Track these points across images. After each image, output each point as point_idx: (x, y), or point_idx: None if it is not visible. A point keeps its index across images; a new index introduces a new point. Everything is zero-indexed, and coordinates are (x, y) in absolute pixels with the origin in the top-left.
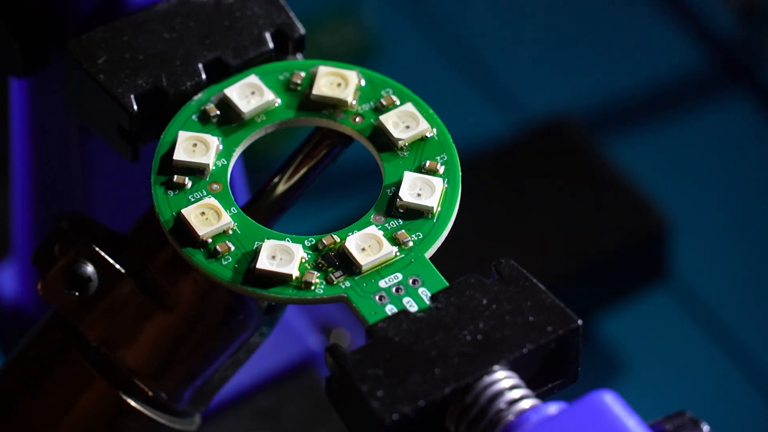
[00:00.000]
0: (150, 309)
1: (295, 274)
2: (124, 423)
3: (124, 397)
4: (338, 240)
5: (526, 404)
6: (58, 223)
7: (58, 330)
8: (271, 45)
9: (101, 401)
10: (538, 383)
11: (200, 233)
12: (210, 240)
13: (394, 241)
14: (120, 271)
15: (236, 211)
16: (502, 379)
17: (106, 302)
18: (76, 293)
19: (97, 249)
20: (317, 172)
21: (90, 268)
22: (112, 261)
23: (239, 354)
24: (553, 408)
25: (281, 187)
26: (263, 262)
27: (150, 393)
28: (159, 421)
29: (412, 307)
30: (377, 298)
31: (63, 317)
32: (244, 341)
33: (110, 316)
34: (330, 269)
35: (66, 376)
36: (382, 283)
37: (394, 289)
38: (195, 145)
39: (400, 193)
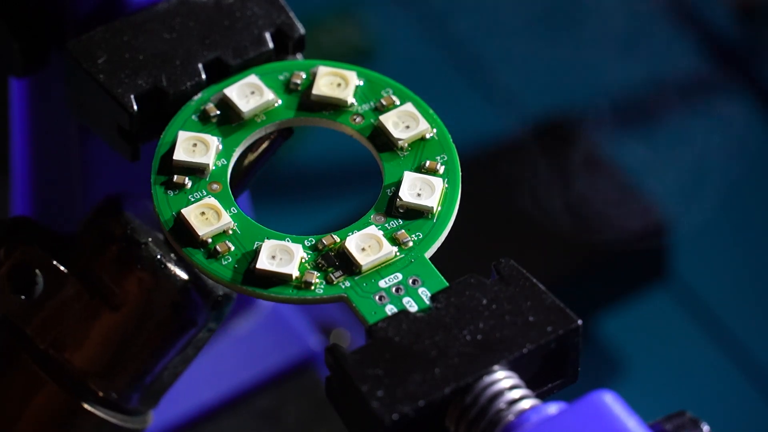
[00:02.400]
0: (97, 309)
1: (295, 274)
2: (76, 424)
3: (75, 399)
4: (338, 240)
5: (526, 404)
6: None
7: (6, 334)
8: (271, 45)
9: (53, 404)
10: (538, 383)
11: (200, 233)
12: (210, 240)
13: (394, 241)
14: (65, 273)
15: (236, 211)
16: (502, 379)
17: (53, 304)
18: (22, 296)
19: (40, 251)
20: (260, 165)
21: (35, 271)
22: (56, 263)
23: (188, 351)
24: (553, 408)
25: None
26: (263, 262)
27: (100, 393)
28: (111, 421)
29: (412, 307)
30: (377, 298)
31: (10, 321)
32: (192, 338)
33: (57, 319)
34: (330, 269)
35: (16, 380)
36: (382, 283)
37: (394, 289)
38: (195, 145)
39: (400, 193)
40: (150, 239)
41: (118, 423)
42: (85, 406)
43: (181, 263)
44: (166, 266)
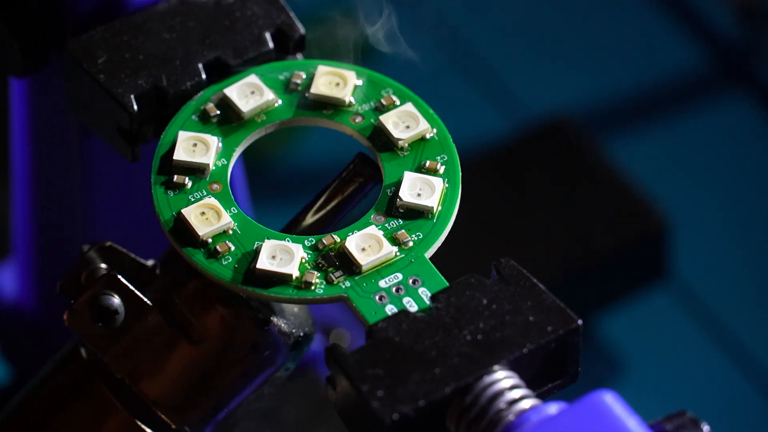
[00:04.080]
0: (176, 342)
1: (295, 274)
2: None
3: (146, 429)
4: (338, 240)
5: (526, 404)
6: (85, 252)
7: (82, 360)
8: (271, 45)
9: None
10: (538, 383)
11: (200, 233)
12: (210, 240)
13: (394, 241)
14: (147, 304)
15: (236, 211)
16: (502, 379)
17: (132, 335)
18: (100, 324)
19: (123, 281)
20: (348, 207)
21: (117, 300)
22: (138, 293)
23: (263, 389)
24: (553, 408)
25: (309, 220)
26: (263, 262)
27: (173, 426)
28: None
29: (412, 307)
30: (377, 298)
31: (88, 347)
32: (269, 376)
33: (136, 349)
34: (330, 269)
35: (89, 406)
36: (382, 283)
37: (394, 289)
38: (195, 144)
39: (400, 193)
40: None
41: None
42: None
43: (263, 303)
44: (248, 305)
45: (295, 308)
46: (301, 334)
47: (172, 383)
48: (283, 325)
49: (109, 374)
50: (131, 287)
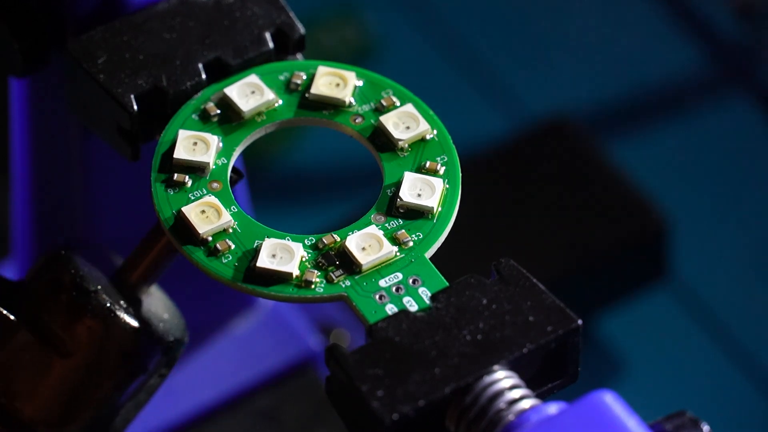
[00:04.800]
0: (47, 358)
1: (296, 272)
2: None
3: None
4: (338, 239)
5: (526, 404)
6: None
7: None
8: (271, 45)
9: None
10: (538, 383)
11: (200, 231)
12: (210, 238)
13: (394, 240)
14: (13, 321)
15: (236, 210)
16: (502, 378)
17: (2, 354)
18: None
19: None
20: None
21: None
22: (5, 312)
23: (140, 396)
24: (553, 408)
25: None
26: (263, 261)
27: None
28: None
29: (412, 307)
30: (377, 297)
31: None
32: (144, 383)
33: (7, 368)
34: (330, 268)
35: None
36: (382, 283)
37: (394, 289)
38: (195, 143)
39: (401, 194)
40: (99, 287)
41: None
42: None
43: (132, 310)
44: (116, 314)
45: (165, 314)
46: (172, 339)
47: (47, 399)
48: (153, 332)
49: None
50: None
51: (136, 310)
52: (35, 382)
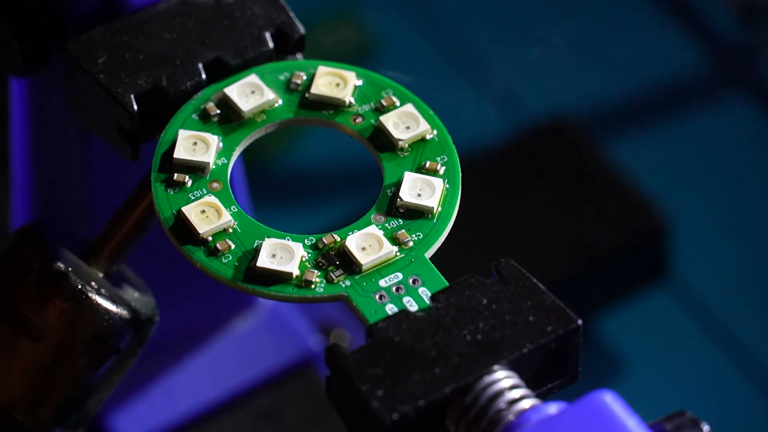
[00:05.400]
0: (18, 341)
1: (296, 272)
2: None
3: None
4: (338, 239)
5: (526, 404)
6: None
7: None
8: (271, 45)
9: None
10: (538, 383)
11: (200, 231)
12: (210, 238)
13: (394, 240)
14: None
15: (236, 210)
16: (502, 378)
17: None
18: None
19: None
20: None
21: None
22: None
23: (113, 377)
24: (553, 408)
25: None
26: (263, 261)
27: (26, 424)
28: None
29: (413, 307)
30: (377, 297)
31: None
32: (116, 364)
33: None
34: (330, 268)
35: None
36: (383, 283)
37: (394, 289)
38: (195, 143)
39: (401, 194)
40: (70, 269)
41: None
42: None
43: (103, 290)
44: (87, 296)
45: (136, 293)
46: (143, 318)
47: (20, 382)
48: (124, 311)
49: None
50: None
51: (106, 290)
52: (6, 365)
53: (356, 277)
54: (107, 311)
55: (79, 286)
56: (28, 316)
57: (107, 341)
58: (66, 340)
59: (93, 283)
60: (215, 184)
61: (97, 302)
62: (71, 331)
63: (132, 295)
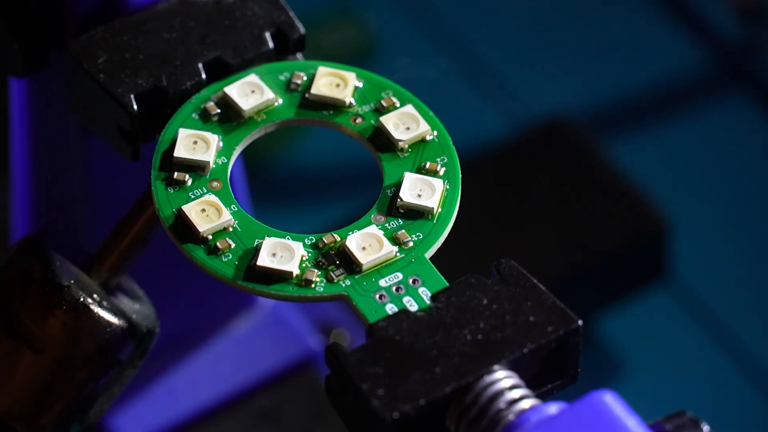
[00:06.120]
0: (19, 352)
1: (296, 271)
2: None
3: None
4: (339, 239)
5: (526, 404)
6: None
7: None
8: (271, 45)
9: None
10: (538, 383)
11: (201, 230)
12: (210, 237)
13: (394, 240)
14: None
15: (236, 209)
16: (503, 378)
17: None
18: None
19: None
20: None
21: None
22: None
23: (113, 389)
24: (553, 408)
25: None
26: (264, 260)
27: None
28: None
29: (413, 307)
30: (377, 297)
31: None
32: (117, 375)
33: None
34: (330, 267)
35: None
36: (383, 282)
37: (394, 289)
38: (195, 142)
39: (401, 194)
40: (72, 281)
41: None
42: None
43: (104, 303)
44: (89, 308)
45: (137, 305)
46: (145, 330)
47: (21, 393)
48: (125, 324)
49: None
50: None
51: (108, 302)
52: (7, 375)
53: (356, 276)
54: (109, 323)
55: (81, 299)
56: (30, 328)
57: (108, 353)
58: (67, 352)
59: (95, 295)
60: (215, 183)
61: (98, 314)
62: (72, 343)
63: (133, 307)
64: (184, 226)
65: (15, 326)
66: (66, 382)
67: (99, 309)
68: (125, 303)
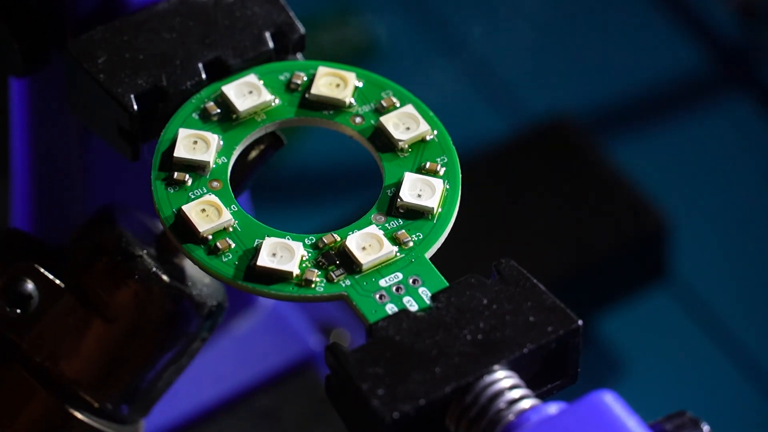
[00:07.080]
0: (91, 322)
1: (296, 271)
2: None
3: (69, 409)
4: (339, 239)
5: (526, 404)
6: None
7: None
8: (271, 45)
9: (46, 414)
10: (538, 383)
11: (201, 230)
12: (210, 237)
13: (394, 240)
14: (60, 287)
15: (236, 209)
16: (503, 378)
17: (48, 318)
18: (18, 311)
19: (36, 266)
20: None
21: (30, 285)
22: (51, 277)
23: (182, 360)
24: (553, 408)
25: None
26: (264, 260)
27: (95, 404)
28: (103, 430)
29: (413, 307)
30: (377, 296)
31: (5, 335)
32: (185, 347)
33: (52, 332)
34: (330, 267)
35: (9, 390)
36: (383, 282)
37: (394, 288)
38: (195, 142)
39: (401, 194)
40: (144, 252)
41: None
42: (78, 415)
43: (175, 275)
44: (160, 279)
45: (206, 279)
46: (215, 303)
47: (91, 362)
48: (195, 296)
49: (28, 358)
50: (43, 271)
51: (178, 274)
52: (79, 345)
53: (356, 276)
54: (179, 294)
55: (153, 269)
56: (102, 297)
57: (177, 324)
58: (137, 322)
59: (166, 267)
60: (215, 183)
61: (170, 285)
62: (143, 313)
63: (204, 280)
64: (184, 226)
65: (86, 296)
66: (135, 352)
67: (170, 280)
68: (195, 276)
